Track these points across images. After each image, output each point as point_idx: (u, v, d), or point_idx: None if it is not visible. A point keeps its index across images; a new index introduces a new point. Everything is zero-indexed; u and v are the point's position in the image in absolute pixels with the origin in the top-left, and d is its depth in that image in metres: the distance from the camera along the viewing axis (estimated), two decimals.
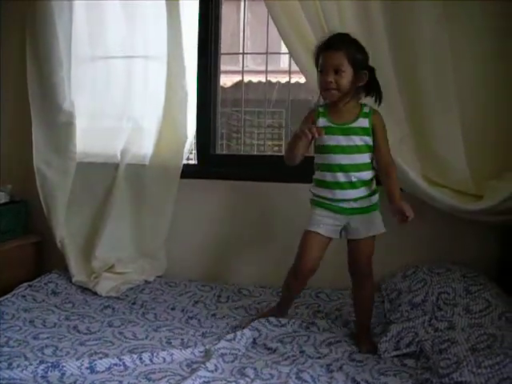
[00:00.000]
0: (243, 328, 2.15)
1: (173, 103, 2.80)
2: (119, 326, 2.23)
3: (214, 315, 2.38)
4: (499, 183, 2.29)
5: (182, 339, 2.11)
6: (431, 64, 2.31)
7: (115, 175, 2.82)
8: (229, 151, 3.64)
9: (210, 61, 2.84)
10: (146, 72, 2.87)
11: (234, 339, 2.03)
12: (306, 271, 2.09)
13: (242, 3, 3.02)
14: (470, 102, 2.34)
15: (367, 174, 2.04)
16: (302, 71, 2.47)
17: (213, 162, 2.92)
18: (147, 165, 2.82)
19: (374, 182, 2.08)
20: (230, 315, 2.38)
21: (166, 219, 2.80)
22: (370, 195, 2.06)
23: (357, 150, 2.01)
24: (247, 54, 3.01)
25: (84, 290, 2.63)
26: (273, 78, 4.31)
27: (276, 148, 4.28)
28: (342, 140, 2.01)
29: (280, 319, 2.21)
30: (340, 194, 2.03)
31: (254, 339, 2.09)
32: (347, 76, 1.96)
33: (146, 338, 2.12)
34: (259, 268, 2.78)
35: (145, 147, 2.86)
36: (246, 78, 4.39)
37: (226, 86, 4.31)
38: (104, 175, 2.85)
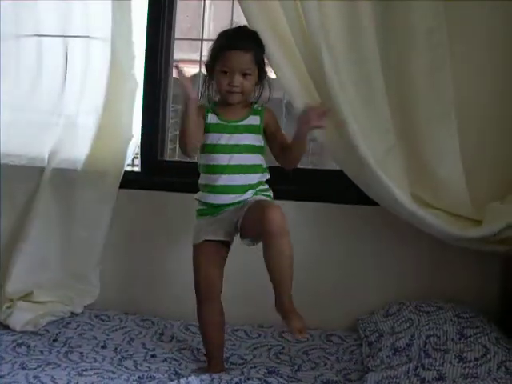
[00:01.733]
0: (188, 375, 2.10)
1: (118, 94, 2.77)
2: (35, 369, 2.15)
3: (153, 356, 2.34)
4: (502, 206, 2.28)
5: None
6: (425, 64, 2.30)
7: (40, 181, 2.77)
8: (183, 158, 3.59)
9: (160, 46, 2.81)
10: (85, 56, 2.84)
11: None
12: (208, 288, 2.19)
13: None
14: (469, 108, 2.34)
15: (253, 178, 2.19)
16: (272, 66, 2.43)
17: (160, 170, 2.87)
18: (80, 170, 2.77)
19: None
20: (173, 358, 2.34)
21: (100, 236, 2.76)
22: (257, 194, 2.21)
23: (245, 149, 2.17)
24: (206, 40, 2.96)
25: None
26: None
27: None
28: (229, 139, 2.16)
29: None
30: (220, 198, 2.18)
31: None
32: (253, 79, 2.14)
33: (68, 383, 2.04)
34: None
35: (78, 148, 2.81)
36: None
37: None
38: (26, 180, 2.80)
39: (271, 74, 2.28)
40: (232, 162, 2.15)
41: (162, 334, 2.54)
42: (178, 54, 2.97)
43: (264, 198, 2.19)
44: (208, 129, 2.18)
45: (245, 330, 2.60)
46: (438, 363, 2.05)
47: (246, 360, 2.34)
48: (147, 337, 2.51)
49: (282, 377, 2.16)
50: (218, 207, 2.19)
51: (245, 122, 2.18)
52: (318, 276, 2.65)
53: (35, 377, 2.07)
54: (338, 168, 2.53)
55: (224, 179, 2.16)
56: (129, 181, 2.78)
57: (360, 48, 2.32)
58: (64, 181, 2.78)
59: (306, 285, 2.46)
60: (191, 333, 2.57)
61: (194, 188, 2.72)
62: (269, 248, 2.03)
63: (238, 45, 2.10)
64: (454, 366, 2.02)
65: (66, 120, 2.84)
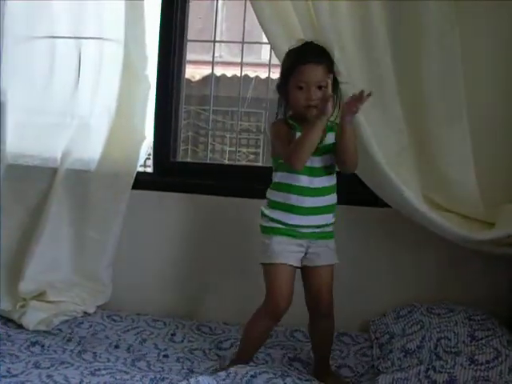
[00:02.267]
0: (200, 374, 2.10)
1: (131, 96, 2.79)
2: (48, 368, 2.16)
3: (165, 356, 2.35)
4: None
5: None
6: (437, 65, 2.30)
7: (53, 182, 2.78)
8: (196, 159, 3.62)
9: (173, 48, 2.81)
10: (98, 57, 2.84)
11: None
12: (284, 309, 2.13)
13: None
14: (481, 109, 2.34)
15: (331, 199, 2.14)
16: None
17: (172, 171, 2.88)
18: (93, 171, 2.79)
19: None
20: (184, 357, 2.34)
21: (112, 237, 2.77)
22: (334, 223, 2.17)
23: (325, 171, 2.12)
24: (218, 42, 2.98)
25: (8, 321, 2.57)
26: (251, 72, 4.29)
27: (252, 156, 4.25)
28: (314, 161, 2.09)
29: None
30: (304, 219, 2.10)
31: None
32: (328, 90, 2.05)
33: (80, 383, 2.05)
34: (225, 300, 2.74)
35: (92, 149, 2.83)
36: (220, 71, 4.38)
37: (194, 80, 4.29)
38: (39, 181, 2.82)
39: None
40: (312, 185, 2.09)
41: (173, 335, 2.54)
42: (190, 56, 2.98)
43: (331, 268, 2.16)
44: None
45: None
46: (449, 366, 2.04)
47: (258, 359, 2.34)
48: (159, 337, 2.52)
49: (294, 376, 2.15)
50: (296, 226, 2.12)
51: (326, 142, 2.11)
52: None
53: (48, 376, 2.08)
54: None
55: (308, 201, 2.09)
56: (141, 181, 2.79)
57: (372, 49, 2.32)
58: (77, 181, 2.79)
59: None
60: (203, 333, 2.58)
61: (205, 189, 2.74)
62: (315, 324, 2.21)
63: (310, 58, 2.05)
64: (465, 368, 2.01)
65: (79, 121, 2.85)
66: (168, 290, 2.81)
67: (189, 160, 3.18)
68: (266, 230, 2.15)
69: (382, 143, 2.29)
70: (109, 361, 2.28)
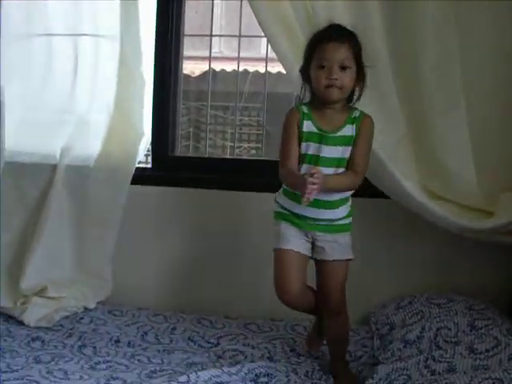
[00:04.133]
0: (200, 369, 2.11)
1: (128, 93, 2.80)
2: (48, 363, 2.19)
3: (165, 351, 2.36)
4: None
5: (125, 380, 2.06)
6: (434, 53, 2.30)
7: (52, 178, 2.79)
8: (194, 153, 3.62)
9: (170, 42, 2.82)
10: (95, 54, 2.86)
11: (188, 382, 1.98)
12: (289, 296, 2.07)
13: None
14: (479, 98, 2.33)
15: (343, 192, 2.06)
16: (282, 60, 2.45)
17: (171, 166, 2.89)
18: (92, 166, 2.80)
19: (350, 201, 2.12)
20: (186, 350, 2.36)
21: (112, 232, 2.78)
22: (348, 216, 2.11)
23: (338, 163, 2.02)
24: (215, 36, 2.99)
25: (9, 317, 2.59)
26: (250, 67, 4.29)
27: (253, 151, 4.25)
28: (325, 150, 2.00)
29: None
30: (307, 211, 2.02)
31: None
32: (352, 73, 1.97)
33: (80, 378, 2.07)
34: (225, 294, 2.75)
35: (90, 145, 2.84)
36: (219, 66, 4.38)
37: (193, 75, 4.29)
38: (39, 178, 2.82)
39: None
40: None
41: (174, 329, 2.55)
42: (189, 51, 2.99)
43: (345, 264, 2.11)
44: (303, 137, 2.01)
45: (257, 324, 2.61)
46: (448, 355, 2.05)
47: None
48: (160, 331, 2.53)
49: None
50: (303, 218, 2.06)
51: (341, 133, 2.00)
52: None
53: (48, 371, 2.10)
54: None
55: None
56: (140, 177, 2.80)
57: (368, 38, 2.26)
58: (76, 177, 2.80)
59: None
60: (204, 326, 2.59)
61: (205, 183, 2.74)
62: (325, 321, 2.18)
63: (333, 36, 1.95)
64: (464, 357, 2.02)
65: (77, 118, 2.86)
66: (169, 284, 2.83)
67: (188, 155, 3.17)
68: (276, 216, 2.11)
69: (379, 133, 2.28)
70: (109, 355, 2.29)
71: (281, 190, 2.12)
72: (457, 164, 2.35)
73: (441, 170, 2.38)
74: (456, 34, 2.28)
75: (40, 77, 2.88)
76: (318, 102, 2.02)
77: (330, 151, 2.00)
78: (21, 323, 2.53)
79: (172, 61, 2.85)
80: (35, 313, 2.56)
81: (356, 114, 2.03)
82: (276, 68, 3.44)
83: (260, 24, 2.44)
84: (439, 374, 1.97)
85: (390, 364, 2.09)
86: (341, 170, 2.02)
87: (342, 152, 2.01)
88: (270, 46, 2.59)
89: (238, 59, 2.98)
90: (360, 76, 2.00)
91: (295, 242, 2.06)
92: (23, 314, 2.55)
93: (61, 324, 2.54)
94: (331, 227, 2.07)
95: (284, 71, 2.53)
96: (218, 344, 2.43)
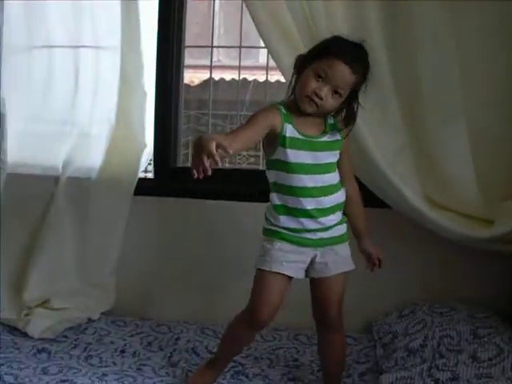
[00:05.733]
0: None
1: (129, 105, 2.82)
2: (56, 374, 2.20)
3: (170, 361, 2.39)
4: None
5: None
6: (432, 65, 2.32)
7: (54, 190, 2.80)
8: None
9: (171, 53, 2.83)
10: (96, 67, 2.87)
11: None
12: (266, 320, 2.00)
13: None
14: (479, 107, 2.35)
15: (339, 197, 2.00)
16: (283, 71, 2.46)
17: (173, 177, 2.91)
18: (94, 178, 2.81)
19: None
20: (189, 361, 2.37)
21: (115, 243, 2.79)
22: (341, 223, 2.03)
23: (326, 169, 1.97)
24: (215, 47, 3.01)
25: (14, 329, 2.60)
26: (250, 76, 4.32)
27: (252, 159, 4.29)
28: (309, 157, 1.93)
29: None
30: (308, 223, 1.95)
31: None
32: (339, 102, 1.92)
33: None
34: (228, 304, 2.71)
35: (92, 157, 2.86)
36: (218, 75, 4.42)
37: (193, 84, 4.33)
38: (41, 190, 2.83)
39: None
40: (311, 185, 1.93)
41: (178, 339, 2.56)
42: (188, 61, 3.00)
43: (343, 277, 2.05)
44: (285, 143, 1.91)
45: (261, 334, 2.59)
46: (451, 364, 2.07)
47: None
48: (164, 341, 2.54)
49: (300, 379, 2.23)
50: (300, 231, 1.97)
51: (326, 138, 1.96)
52: None
53: (60, 381, 2.13)
54: None
55: (305, 203, 1.93)
56: (143, 188, 2.81)
57: (368, 49, 2.32)
58: (78, 189, 2.81)
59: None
60: (207, 336, 2.61)
61: (207, 194, 2.75)
62: (322, 339, 2.11)
63: (350, 61, 1.85)
64: (467, 366, 2.03)
65: (79, 130, 2.87)
66: (171, 295, 2.83)
67: (189, 165, 3.18)
68: (268, 233, 1.99)
69: (380, 142, 2.31)
70: (115, 365, 2.32)
71: (271, 207, 2.00)
72: (457, 173, 2.36)
73: (442, 180, 2.40)
74: (456, 45, 2.29)
75: (41, 88, 2.89)
76: (295, 107, 1.94)
77: (321, 157, 1.95)
78: (25, 335, 2.54)
79: (173, 71, 2.85)
80: (39, 324, 2.57)
81: (330, 119, 1.98)
82: (275, 76, 3.48)
83: (260, 34, 2.43)
84: (443, 382, 1.99)
85: (393, 373, 2.10)
86: (334, 174, 1.98)
87: (331, 157, 1.97)
88: (270, 56, 2.58)
89: (239, 69, 3.02)
90: (350, 99, 1.94)
91: (290, 265, 1.96)
92: (27, 325, 2.56)
93: (65, 335, 2.56)
94: (332, 239, 1.99)
95: (283, 80, 2.49)
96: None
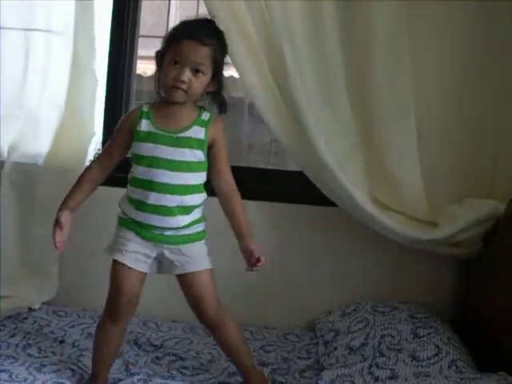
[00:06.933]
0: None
1: (80, 91, 2.76)
2: None
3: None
4: (459, 209, 2.36)
5: None
6: (385, 66, 2.34)
7: None
8: None
9: (124, 43, 2.81)
10: (47, 51, 2.81)
11: None
12: (118, 310, 2.01)
13: None
14: (429, 110, 2.40)
15: (192, 199, 1.96)
16: (235, 65, 2.45)
17: (120, 167, 2.85)
18: (40, 165, 2.76)
19: (202, 209, 2.03)
20: (129, 353, 2.35)
21: None
22: (193, 224, 2.00)
23: (186, 167, 1.93)
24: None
25: None
26: None
27: None
28: (167, 152, 1.91)
29: None
30: (153, 219, 1.95)
31: None
32: (205, 80, 1.90)
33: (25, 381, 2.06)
34: (170, 298, 2.74)
35: (39, 143, 2.80)
36: None
37: (145, 75, 4.28)
38: None
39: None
40: (164, 180, 1.91)
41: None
42: (141, 51, 2.98)
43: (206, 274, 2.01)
44: (139, 137, 1.94)
45: (250, 331, 2.60)
46: (391, 362, 2.11)
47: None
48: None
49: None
50: (144, 226, 1.97)
51: (187, 134, 1.92)
52: (277, 276, 2.66)
53: None
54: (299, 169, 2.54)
55: (152, 198, 1.93)
56: None
57: (322, 48, 2.34)
58: (24, 175, 2.76)
59: (265, 284, 2.56)
60: (149, 328, 2.60)
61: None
62: (214, 337, 2.12)
63: (196, 35, 1.84)
64: (406, 364, 2.08)
65: (27, 114, 2.81)
66: None
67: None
68: (120, 222, 2.04)
69: (330, 143, 2.31)
70: (55, 355, 2.28)
71: (125, 195, 2.04)
72: (405, 175, 2.38)
73: (390, 181, 2.42)
74: (408, 46, 2.32)
75: None
76: (165, 98, 1.93)
77: (173, 153, 1.91)
78: None
79: (126, 60, 2.83)
80: None
81: (205, 116, 1.95)
82: (228, 71, 3.47)
83: None
84: (382, 380, 2.02)
85: (334, 370, 2.13)
86: (192, 174, 1.94)
87: (190, 155, 1.92)
88: None
89: None
90: (215, 80, 1.93)
91: (130, 255, 1.98)
92: None
93: (3, 324, 2.51)
94: (178, 238, 1.97)
95: (237, 75, 2.49)
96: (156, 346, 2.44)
